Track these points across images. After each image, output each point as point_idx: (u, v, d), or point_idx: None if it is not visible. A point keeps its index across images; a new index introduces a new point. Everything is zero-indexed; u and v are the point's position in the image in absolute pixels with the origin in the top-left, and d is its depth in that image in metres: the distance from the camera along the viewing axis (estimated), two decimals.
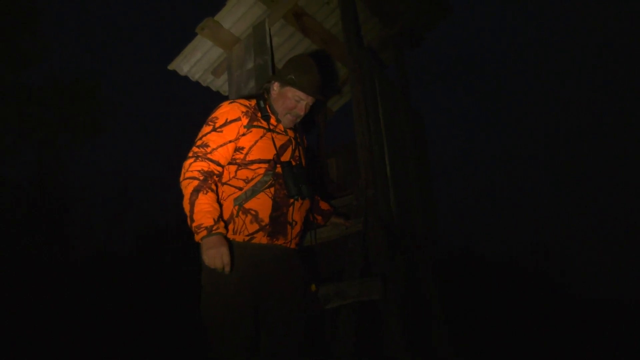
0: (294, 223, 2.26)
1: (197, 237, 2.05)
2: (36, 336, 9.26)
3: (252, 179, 2.20)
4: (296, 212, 2.27)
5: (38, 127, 11.23)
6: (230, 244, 2.12)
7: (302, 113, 2.35)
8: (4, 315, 9.20)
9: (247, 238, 2.17)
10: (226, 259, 2.02)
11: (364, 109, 3.50)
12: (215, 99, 4.45)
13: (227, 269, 2.03)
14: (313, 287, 2.43)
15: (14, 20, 10.52)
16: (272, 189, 2.20)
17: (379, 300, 2.94)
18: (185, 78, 4.21)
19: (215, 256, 2.00)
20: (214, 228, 2.03)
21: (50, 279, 10.65)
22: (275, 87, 2.36)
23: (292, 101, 2.32)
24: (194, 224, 2.05)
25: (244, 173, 2.21)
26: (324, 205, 2.83)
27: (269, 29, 3.89)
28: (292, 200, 2.23)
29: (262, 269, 2.19)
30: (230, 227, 2.18)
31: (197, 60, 4.09)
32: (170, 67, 4.05)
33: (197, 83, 4.33)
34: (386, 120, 3.75)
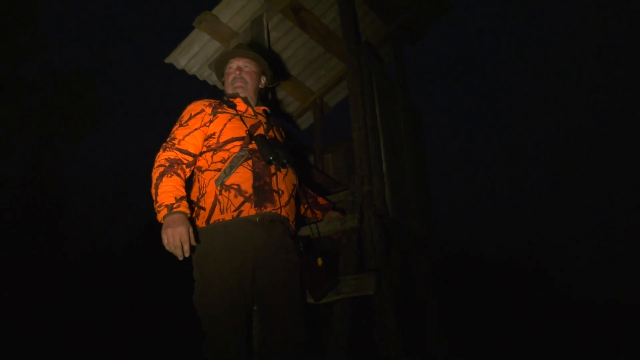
0: (280, 192, 2.25)
1: (159, 217, 2.04)
2: (32, 333, 9.25)
3: (229, 158, 2.21)
4: (280, 182, 2.26)
5: (34, 122, 11.20)
6: (215, 226, 2.14)
7: (241, 74, 2.46)
8: (1, 313, 9.20)
9: (235, 213, 2.15)
10: (184, 238, 1.98)
11: (361, 105, 3.48)
12: (212, 94, 4.45)
13: (186, 248, 1.98)
14: (320, 261, 2.37)
15: (12, 14, 10.49)
16: (250, 162, 2.22)
17: (374, 296, 2.92)
18: (183, 73, 4.20)
19: (173, 235, 1.97)
20: (174, 206, 2.02)
21: (46, 276, 10.64)
22: (222, 79, 2.56)
23: (228, 72, 2.49)
24: (157, 204, 2.05)
25: (220, 155, 2.23)
26: (321, 201, 2.84)
27: (267, 24, 3.88)
28: (273, 170, 2.24)
29: (255, 253, 2.15)
30: (217, 208, 2.17)
31: (194, 54, 4.07)
32: (167, 60, 4.04)
33: (194, 78, 4.32)
34: (383, 116, 3.73)
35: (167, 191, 2.06)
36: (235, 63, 2.48)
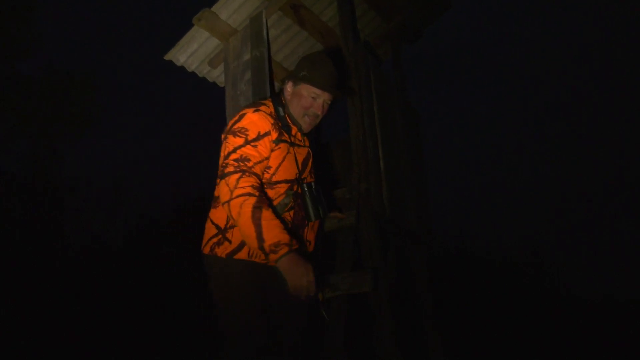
0: (307, 243, 2.23)
1: (276, 256, 1.88)
2: (32, 329, 9.27)
3: (274, 199, 2.10)
4: (310, 232, 2.24)
5: (33, 120, 11.21)
6: (238, 262, 2.08)
7: (319, 112, 2.21)
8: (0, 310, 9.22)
9: (264, 262, 2.07)
10: (312, 277, 1.89)
11: (359, 104, 3.50)
12: (212, 91, 4.46)
13: (312, 288, 1.90)
14: (320, 296, 2.41)
15: (9, 10, 10.49)
16: (292, 212, 2.14)
17: (370, 293, 2.94)
18: (182, 70, 4.21)
19: (303, 274, 1.87)
20: (293, 243, 1.91)
21: (46, 272, 10.65)
22: (289, 87, 2.23)
23: (307, 99, 2.18)
24: (268, 243, 1.88)
25: (267, 192, 2.09)
26: None
27: (266, 21, 3.89)
28: (307, 222, 2.19)
29: (274, 283, 2.08)
30: (246, 249, 2.08)
31: (193, 51, 4.09)
32: (167, 57, 4.05)
33: (194, 77, 4.33)
34: (381, 115, 3.75)
35: (278, 226, 1.92)
36: (323, 97, 2.20)
